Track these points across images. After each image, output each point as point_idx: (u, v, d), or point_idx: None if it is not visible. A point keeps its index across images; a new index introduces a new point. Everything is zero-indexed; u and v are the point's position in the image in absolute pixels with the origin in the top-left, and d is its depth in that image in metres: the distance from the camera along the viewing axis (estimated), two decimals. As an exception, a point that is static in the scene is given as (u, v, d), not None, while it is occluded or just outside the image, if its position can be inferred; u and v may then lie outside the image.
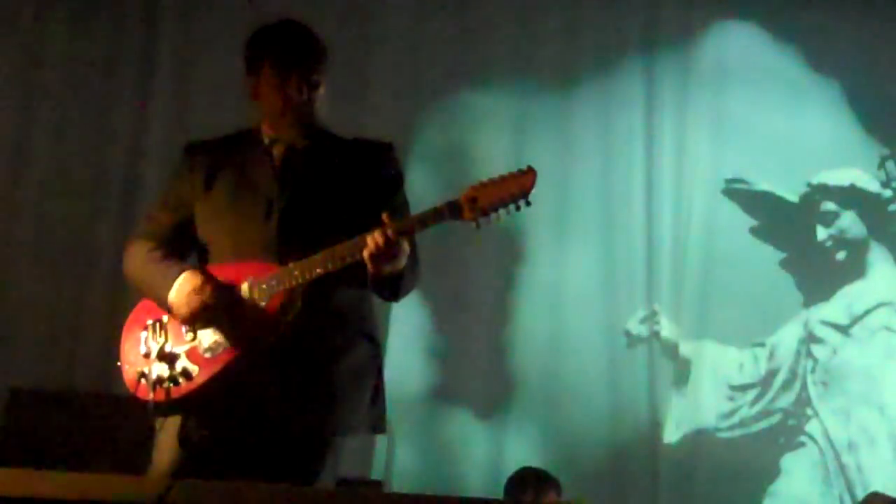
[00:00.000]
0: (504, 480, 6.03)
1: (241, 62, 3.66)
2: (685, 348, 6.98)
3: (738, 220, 7.16)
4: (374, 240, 3.26)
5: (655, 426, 6.89)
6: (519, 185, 3.28)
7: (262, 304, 3.38)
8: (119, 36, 7.12)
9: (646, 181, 7.12)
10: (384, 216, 3.28)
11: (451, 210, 3.28)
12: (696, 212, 7.12)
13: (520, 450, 6.75)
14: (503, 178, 3.29)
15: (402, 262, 3.35)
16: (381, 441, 6.50)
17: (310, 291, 3.39)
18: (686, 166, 7.16)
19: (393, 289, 3.47)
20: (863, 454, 6.96)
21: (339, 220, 3.44)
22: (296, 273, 3.37)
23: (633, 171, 7.14)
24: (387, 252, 3.28)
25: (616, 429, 6.85)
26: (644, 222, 7.11)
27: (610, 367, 6.90)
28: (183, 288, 3.44)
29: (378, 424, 3.58)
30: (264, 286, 3.39)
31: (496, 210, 3.29)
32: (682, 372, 6.98)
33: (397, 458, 6.52)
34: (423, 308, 6.83)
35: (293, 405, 3.39)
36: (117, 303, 6.00)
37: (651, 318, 6.98)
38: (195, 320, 3.44)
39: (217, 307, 3.41)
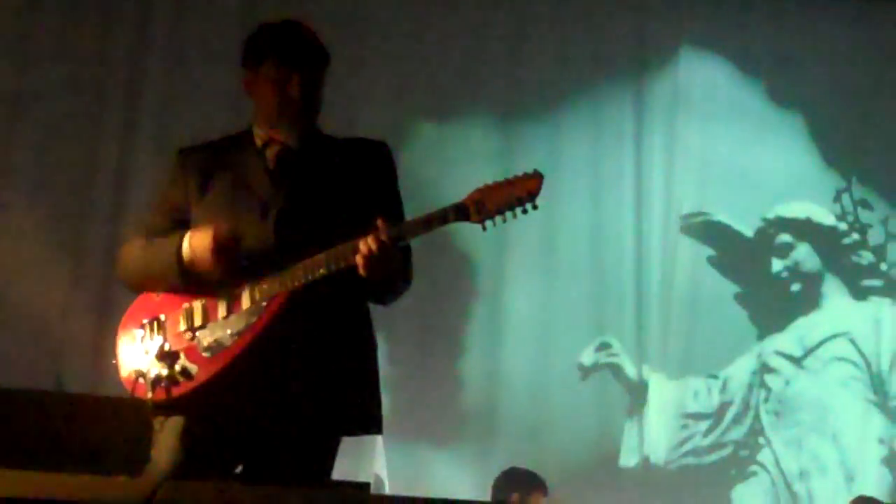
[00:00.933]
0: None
1: (240, 54, 3.65)
2: (639, 379, 7.09)
3: (695, 253, 7.27)
4: (366, 245, 3.26)
5: (610, 455, 7.02)
6: (526, 189, 3.29)
7: (263, 304, 3.37)
8: (110, 36, 7.18)
9: (597, 215, 7.24)
10: (379, 221, 3.28)
11: (457, 212, 3.31)
12: (652, 244, 7.22)
13: (472, 480, 6.83)
14: (509, 182, 3.30)
15: (393, 267, 3.35)
16: (367, 443, 6.61)
17: (310, 291, 3.37)
18: (643, 199, 7.27)
19: (382, 294, 3.49)
20: (814, 482, 7.07)
21: (336, 220, 3.44)
22: (298, 274, 3.35)
23: (581, 205, 7.24)
24: (378, 258, 3.27)
25: (570, 458, 6.94)
26: (600, 255, 7.21)
27: (564, 398, 7.02)
28: (197, 246, 3.42)
29: (375, 425, 3.56)
30: (265, 286, 3.37)
31: (502, 212, 3.29)
32: (637, 402, 7.09)
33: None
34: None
35: (294, 405, 3.37)
36: (105, 305, 6.26)
37: (605, 348, 7.10)
38: (223, 267, 3.40)
39: (229, 258, 3.39)
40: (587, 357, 7.09)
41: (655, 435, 7.05)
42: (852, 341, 7.24)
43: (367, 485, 5.93)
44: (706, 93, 7.42)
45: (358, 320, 3.54)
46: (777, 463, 7.08)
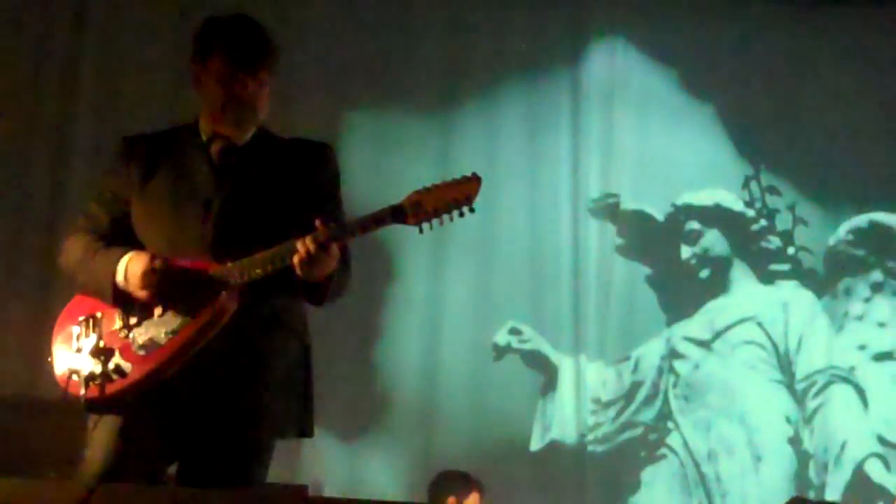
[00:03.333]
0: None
1: (175, 49, 3.66)
2: (550, 361, 7.26)
3: (606, 238, 7.42)
4: (304, 245, 3.25)
5: (522, 437, 7.19)
6: (463, 192, 3.31)
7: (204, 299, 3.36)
8: (47, 32, 7.21)
9: (529, 198, 7.39)
10: (317, 221, 3.27)
11: (395, 214, 3.30)
12: (564, 228, 7.38)
13: (386, 467, 7.03)
14: (447, 184, 3.31)
15: (330, 268, 3.33)
16: (307, 445, 6.68)
17: (245, 292, 3.37)
18: (566, 183, 7.43)
19: (319, 295, 3.44)
20: (722, 464, 7.24)
21: (276, 221, 3.44)
22: (234, 273, 3.35)
23: (511, 189, 7.38)
24: (315, 258, 3.27)
25: (482, 441, 7.11)
26: (517, 239, 7.37)
27: (477, 380, 7.18)
28: (133, 268, 3.40)
29: (307, 428, 3.57)
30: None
31: (440, 215, 3.30)
32: (548, 384, 7.26)
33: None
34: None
35: (227, 406, 3.38)
36: (41, 308, 6.26)
37: (518, 331, 7.26)
38: (160, 291, 3.38)
39: (175, 278, 3.38)
40: (501, 338, 7.23)
41: (567, 417, 7.20)
42: (760, 325, 7.41)
43: (305, 487, 6.03)
44: (621, 82, 7.56)
45: (294, 320, 3.55)
46: (686, 445, 7.25)
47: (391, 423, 7.16)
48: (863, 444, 7.31)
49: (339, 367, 6.84)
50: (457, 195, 3.31)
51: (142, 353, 3.38)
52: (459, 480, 6.08)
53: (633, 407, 7.28)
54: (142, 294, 3.38)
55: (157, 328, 3.39)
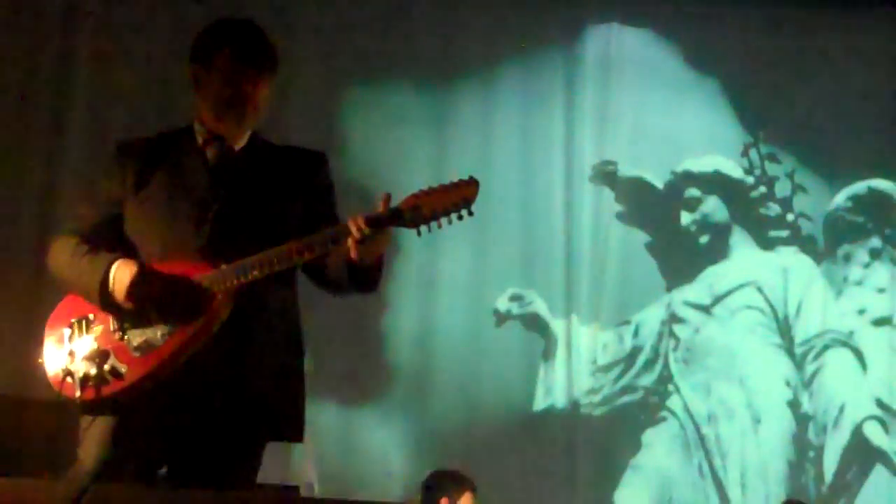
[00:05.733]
0: (383, 467, 6.40)
1: (191, 48, 3.59)
2: (551, 326, 7.36)
3: (606, 205, 7.52)
4: (356, 224, 3.24)
5: (523, 401, 7.30)
6: (461, 195, 3.28)
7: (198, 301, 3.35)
8: (38, 35, 7.26)
9: (523, 166, 7.50)
10: (383, 199, 3.29)
11: (392, 217, 3.26)
12: (557, 196, 7.49)
13: (401, 437, 7.15)
14: (445, 188, 3.28)
15: (385, 248, 3.34)
16: (298, 447, 6.60)
17: (241, 295, 3.36)
18: (561, 155, 7.53)
19: (374, 277, 3.42)
20: (721, 426, 7.34)
21: (271, 227, 3.43)
22: (231, 275, 3.33)
23: (509, 159, 7.49)
24: (372, 238, 3.26)
25: (482, 406, 7.24)
26: (517, 206, 7.47)
27: (476, 346, 7.30)
28: (120, 277, 3.37)
29: (297, 433, 3.56)
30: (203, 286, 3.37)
31: (438, 219, 3.28)
32: (550, 348, 7.36)
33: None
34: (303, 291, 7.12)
35: (219, 408, 3.37)
36: (32, 307, 6.14)
37: (519, 297, 7.36)
38: (146, 304, 3.37)
39: (153, 300, 3.35)
40: (502, 304, 7.33)
41: (568, 381, 7.31)
42: (760, 290, 7.50)
43: (296, 487, 6.09)
44: (630, 54, 7.66)
45: (289, 323, 3.55)
46: (686, 408, 7.35)
47: (391, 391, 7.26)
48: (861, 407, 7.40)
49: (340, 336, 6.96)
50: (455, 199, 3.29)
51: (137, 354, 3.36)
52: (452, 480, 6.06)
53: (633, 371, 7.37)
54: (128, 305, 3.38)
55: (153, 330, 3.37)
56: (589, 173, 7.53)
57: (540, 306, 7.36)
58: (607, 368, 7.37)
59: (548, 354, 7.36)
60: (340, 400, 7.17)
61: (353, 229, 3.25)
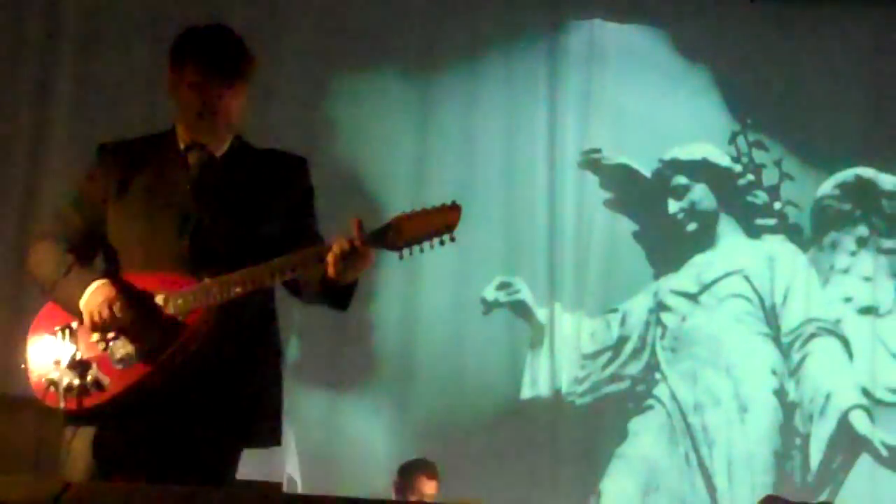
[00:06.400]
0: (369, 456, 6.40)
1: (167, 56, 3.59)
2: (538, 314, 7.36)
3: (595, 194, 7.52)
4: (340, 245, 3.26)
5: (510, 390, 7.30)
6: (444, 221, 3.29)
7: (179, 318, 3.37)
8: (19, 35, 7.25)
9: (506, 155, 7.48)
10: (355, 222, 3.30)
11: (375, 239, 3.29)
12: (556, 188, 7.47)
13: (388, 424, 7.15)
14: (429, 212, 3.30)
15: (364, 269, 3.35)
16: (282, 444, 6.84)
17: (223, 308, 3.38)
18: (545, 144, 7.52)
19: (348, 296, 3.46)
20: (708, 414, 7.34)
21: (251, 238, 3.45)
22: (213, 291, 3.35)
23: (493, 148, 7.49)
24: (352, 259, 3.28)
25: (471, 394, 7.25)
26: (511, 200, 7.48)
27: (461, 334, 7.30)
28: (95, 297, 3.39)
29: (275, 437, 3.60)
30: (179, 301, 3.37)
31: (420, 243, 3.29)
32: (536, 336, 7.36)
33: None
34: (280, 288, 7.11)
35: (204, 419, 3.40)
36: (15, 307, 6.29)
37: (507, 285, 7.34)
38: (106, 330, 3.39)
39: (128, 320, 3.38)
40: (489, 293, 7.31)
41: (556, 368, 7.30)
42: (747, 278, 7.50)
43: (279, 484, 6.10)
44: (615, 45, 7.64)
45: (269, 332, 3.58)
46: (673, 396, 7.35)
47: (377, 379, 7.27)
48: (847, 396, 7.41)
49: (326, 324, 6.91)
50: (438, 225, 3.30)
51: (120, 366, 3.38)
52: (416, 468, 6.27)
53: (620, 359, 7.38)
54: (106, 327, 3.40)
55: (134, 343, 3.40)
56: (574, 161, 7.52)
57: (526, 294, 7.35)
58: (594, 356, 7.37)
59: (534, 343, 7.35)
60: (326, 387, 7.18)
61: (337, 250, 3.28)
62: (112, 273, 3.51)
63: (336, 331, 7.08)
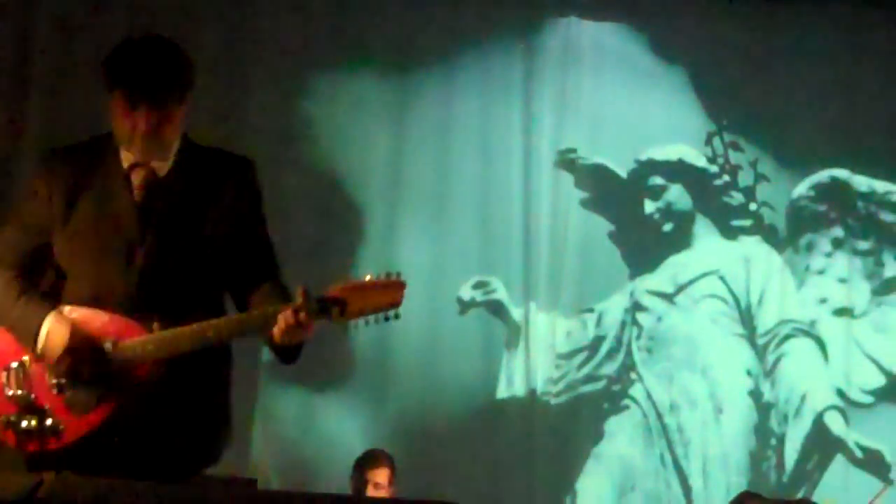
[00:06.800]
0: (345, 455, 6.39)
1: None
2: (514, 313, 7.36)
3: (570, 194, 7.51)
4: (286, 318, 3.25)
5: (487, 389, 7.30)
6: (390, 299, 3.30)
7: (130, 367, 3.33)
8: None
9: (482, 155, 7.48)
10: (300, 293, 3.28)
11: (320, 311, 3.26)
12: (530, 183, 7.47)
13: (362, 423, 7.14)
14: (375, 287, 3.30)
15: (308, 334, 3.32)
16: (256, 440, 6.91)
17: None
18: (520, 143, 7.52)
19: (294, 355, 3.44)
20: (684, 415, 7.36)
21: (202, 265, 3.42)
22: (163, 347, 3.31)
23: (469, 147, 7.48)
24: (297, 329, 3.27)
25: (447, 393, 7.24)
26: (487, 199, 7.47)
27: (441, 333, 7.30)
28: (54, 340, 3.35)
29: (221, 453, 3.58)
30: (129, 353, 3.35)
31: (364, 317, 3.29)
32: (514, 335, 7.36)
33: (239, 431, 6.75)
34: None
35: (163, 453, 3.39)
36: None
37: (482, 286, 7.34)
38: (58, 372, 3.35)
39: (83, 365, 3.34)
40: (465, 292, 7.31)
41: (533, 368, 7.30)
42: (722, 279, 7.51)
43: (254, 480, 6.10)
44: (592, 44, 7.64)
45: (221, 357, 3.52)
46: (649, 396, 7.36)
47: (353, 378, 7.26)
48: (822, 397, 7.43)
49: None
50: (384, 302, 3.30)
51: (74, 414, 3.34)
52: (371, 457, 6.30)
53: (596, 359, 7.38)
54: (58, 368, 3.37)
55: (87, 392, 3.35)
56: (549, 161, 7.53)
57: (502, 294, 7.35)
58: (570, 356, 7.37)
59: (510, 342, 7.35)
60: (301, 386, 7.16)
61: (282, 324, 3.26)
62: (58, 297, 3.45)
63: (315, 332, 7.04)
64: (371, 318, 3.31)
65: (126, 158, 3.46)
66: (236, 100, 7.32)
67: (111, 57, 3.43)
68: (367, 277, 3.32)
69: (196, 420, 3.45)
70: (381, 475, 6.19)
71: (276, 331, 3.28)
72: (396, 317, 3.32)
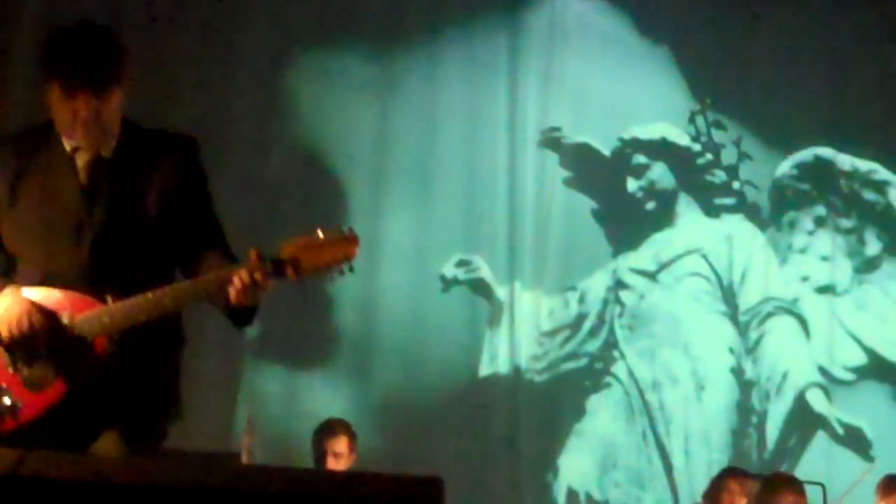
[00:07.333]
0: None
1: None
2: (497, 291, 7.38)
3: (554, 172, 7.54)
4: (241, 278, 3.24)
5: (470, 367, 7.33)
6: (343, 253, 3.28)
7: (88, 339, 3.32)
8: None
9: (467, 133, 7.50)
10: (253, 254, 3.27)
11: (275, 271, 3.27)
12: (517, 166, 7.49)
13: (347, 401, 7.15)
14: (328, 242, 3.27)
15: (261, 296, 3.32)
16: (240, 415, 6.85)
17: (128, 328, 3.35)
18: (504, 122, 7.54)
19: (249, 317, 3.43)
20: (666, 392, 7.39)
21: (151, 239, 3.41)
22: (118, 317, 3.29)
23: (453, 125, 7.50)
24: (251, 290, 3.26)
25: (431, 371, 7.27)
26: (472, 178, 7.49)
27: (420, 312, 7.32)
28: (12, 309, 3.33)
29: (180, 413, 3.57)
30: (85, 326, 3.33)
31: (318, 273, 3.29)
32: (497, 313, 7.38)
33: (215, 414, 6.79)
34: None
35: (122, 425, 3.37)
36: None
37: (465, 264, 7.37)
38: (21, 344, 3.33)
39: (41, 339, 3.32)
40: (448, 270, 7.33)
41: (516, 345, 7.33)
42: (705, 257, 7.54)
43: (238, 454, 6.11)
44: (577, 22, 7.66)
45: (173, 326, 3.50)
46: (631, 373, 7.40)
47: (336, 356, 7.28)
48: (804, 374, 7.47)
49: (285, 301, 6.89)
50: (337, 256, 3.29)
51: (30, 391, 3.32)
52: (328, 426, 6.21)
53: (579, 337, 7.41)
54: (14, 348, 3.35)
55: (43, 366, 3.33)
56: (533, 140, 7.55)
57: (485, 272, 7.37)
58: (553, 334, 7.39)
59: (493, 320, 7.37)
60: (286, 363, 7.19)
61: (238, 283, 3.26)
62: (11, 281, 3.43)
63: (296, 307, 7.08)
64: (325, 274, 3.31)
65: (68, 142, 3.44)
66: (221, 77, 7.32)
67: (45, 47, 3.40)
68: (320, 234, 3.28)
69: (148, 393, 3.43)
70: (339, 444, 6.13)
71: (232, 291, 3.27)
72: (350, 270, 3.31)
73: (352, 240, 3.31)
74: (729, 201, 7.63)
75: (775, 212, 7.63)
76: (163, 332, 3.42)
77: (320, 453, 6.10)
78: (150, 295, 3.31)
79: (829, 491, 6.25)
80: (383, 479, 2.53)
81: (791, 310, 7.53)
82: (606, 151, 7.57)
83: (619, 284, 7.48)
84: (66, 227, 3.39)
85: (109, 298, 3.32)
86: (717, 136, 7.67)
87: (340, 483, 2.61)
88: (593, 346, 7.43)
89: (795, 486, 5.70)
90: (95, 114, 3.34)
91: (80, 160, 3.44)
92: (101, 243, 3.38)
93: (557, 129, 7.53)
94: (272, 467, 3.82)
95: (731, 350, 7.46)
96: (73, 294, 3.35)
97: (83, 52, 3.34)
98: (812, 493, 5.84)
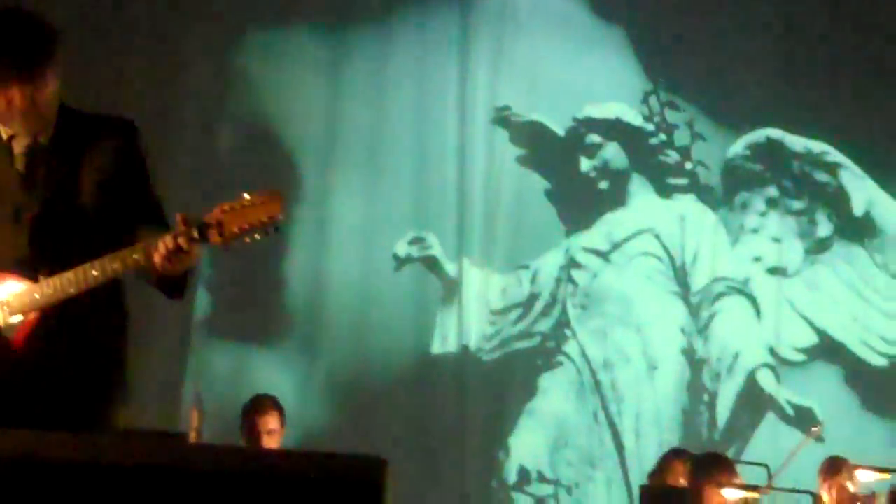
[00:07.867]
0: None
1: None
2: (448, 269, 7.38)
3: (507, 151, 7.54)
4: (165, 244, 3.21)
5: (421, 345, 7.34)
6: (267, 213, 3.23)
7: (17, 321, 3.34)
8: None
9: (418, 111, 7.49)
10: (180, 219, 3.23)
11: (200, 236, 3.23)
12: (468, 145, 7.48)
13: (295, 378, 7.13)
14: (252, 203, 3.23)
15: (192, 263, 3.30)
16: (187, 393, 6.83)
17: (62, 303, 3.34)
18: (455, 100, 7.53)
19: (181, 286, 3.41)
20: (618, 372, 7.41)
21: (90, 222, 3.39)
22: (47, 292, 3.30)
23: (404, 103, 7.48)
24: (178, 255, 3.23)
25: (381, 349, 7.26)
26: (422, 156, 7.47)
27: (376, 289, 7.30)
28: None
29: (125, 399, 3.54)
30: (16, 303, 3.34)
31: (244, 235, 3.24)
32: (449, 292, 7.37)
33: (161, 391, 6.75)
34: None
35: (61, 405, 3.35)
36: None
37: (419, 242, 7.35)
38: None
39: None
40: (401, 249, 7.31)
41: (467, 324, 7.33)
42: (657, 237, 7.56)
43: (185, 434, 6.06)
44: (529, 1, 7.64)
45: (113, 301, 3.48)
46: (583, 353, 7.41)
47: (287, 335, 7.27)
48: (755, 355, 7.51)
49: (236, 279, 6.97)
50: (262, 216, 3.23)
51: None
52: (257, 401, 6.02)
53: (530, 316, 7.41)
54: None
55: None
56: (485, 118, 7.54)
57: (437, 250, 7.36)
58: (504, 313, 7.40)
59: (445, 298, 7.36)
60: (235, 341, 7.17)
61: (162, 249, 3.22)
62: None
63: (246, 285, 7.06)
64: (252, 235, 3.25)
65: (5, 130, 3.40)
66: (173, 54, 7.27)
67: None
68: (245, 196, 3.23)
69: (88, 383, 3.40)
70: (272, 421, 6.01)
71: (157, 258, 3.23)
72: (276, 230, 3.27)
73: (276, 198, 3.26)
74: (681, 182, 7.64)
75: (727, 192, 7.65)
76: (100, 315, 3.40)
77: (253, 432, 5.99)
78: (78, 268, 3.29)
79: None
80: (327, 458, 2.51)
81: (742, 290, 7.56)
82: (560, 131, 7.56)
83: (572, 263, 7.48)
84: (4, 213, 3.38)
85: (41, 277, 3.31)
86: (671, 116, 7.68)
87: (284, 462, 2.58)
88: (545, 325, 7.43)
89: (726, 463, 5.68)
90: (31, 101, 3.29)
91: (18, 147, 3.40)
92: (39, 230, 3.37)
93: (508, 107, 7.51)
94: (218, 446, 3.80)
95: (682, 330, 7.48)
96: (2, 274, 3.34)
97: (10, 41, 3.29)
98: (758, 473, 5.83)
